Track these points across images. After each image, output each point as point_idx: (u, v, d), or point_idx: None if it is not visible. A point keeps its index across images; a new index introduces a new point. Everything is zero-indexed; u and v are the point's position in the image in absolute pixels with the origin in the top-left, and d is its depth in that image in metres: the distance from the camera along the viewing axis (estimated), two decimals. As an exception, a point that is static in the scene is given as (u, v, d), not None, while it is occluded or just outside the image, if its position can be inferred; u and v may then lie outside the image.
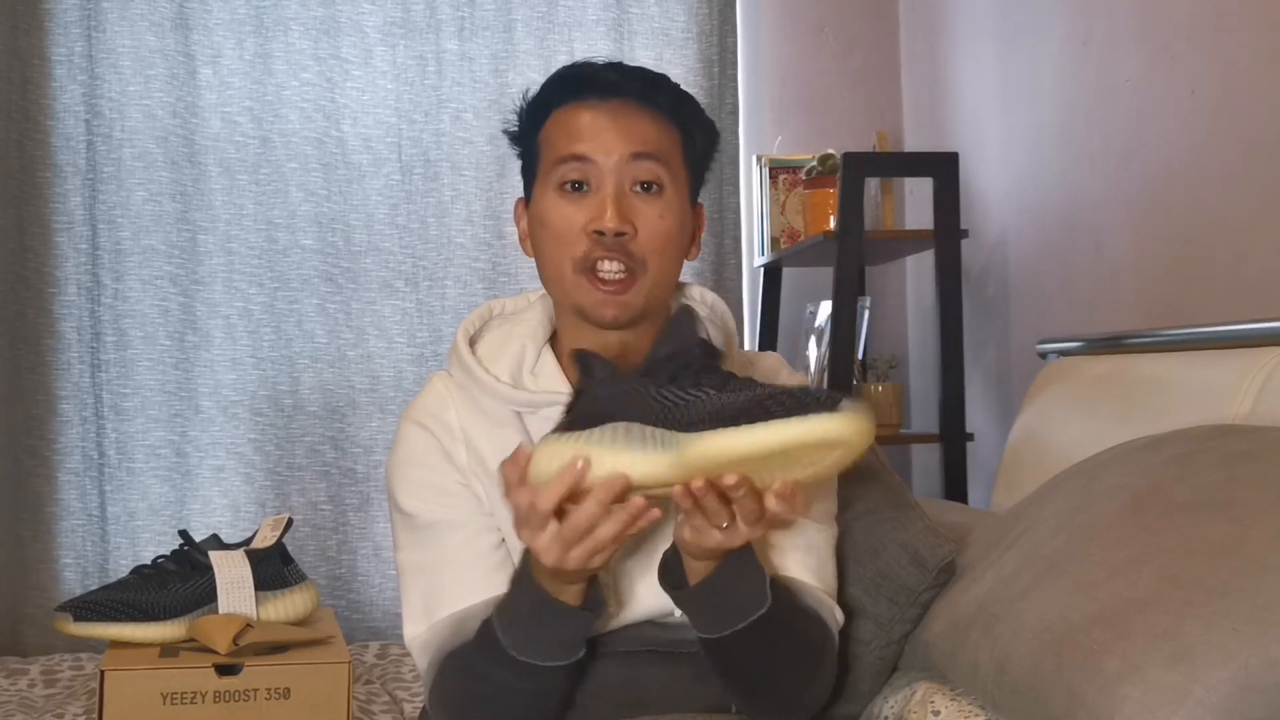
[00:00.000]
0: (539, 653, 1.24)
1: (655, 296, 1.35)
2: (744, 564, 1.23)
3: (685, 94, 1.39)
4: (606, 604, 1.25)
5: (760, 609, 1.24)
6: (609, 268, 1.31)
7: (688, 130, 1.37)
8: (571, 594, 1.21)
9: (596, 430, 1.11)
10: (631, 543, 1.33)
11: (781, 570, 1.36)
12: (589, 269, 1.32)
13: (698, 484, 1.08)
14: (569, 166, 1.32)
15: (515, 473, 1.14)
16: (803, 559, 1.37)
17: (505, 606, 1.26)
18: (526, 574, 1.22)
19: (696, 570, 1.22)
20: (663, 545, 1.33)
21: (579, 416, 1.13)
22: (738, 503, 1.10)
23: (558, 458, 1.11)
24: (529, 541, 1.15)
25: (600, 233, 1.30)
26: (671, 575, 1.24)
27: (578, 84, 1.35)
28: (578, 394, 1.17)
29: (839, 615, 1.39)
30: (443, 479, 1.37)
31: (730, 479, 1.07)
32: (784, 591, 1.31)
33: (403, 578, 1.40)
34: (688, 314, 1.20)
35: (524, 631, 1.24)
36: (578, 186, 1.32)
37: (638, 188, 1.32)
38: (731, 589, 1.23)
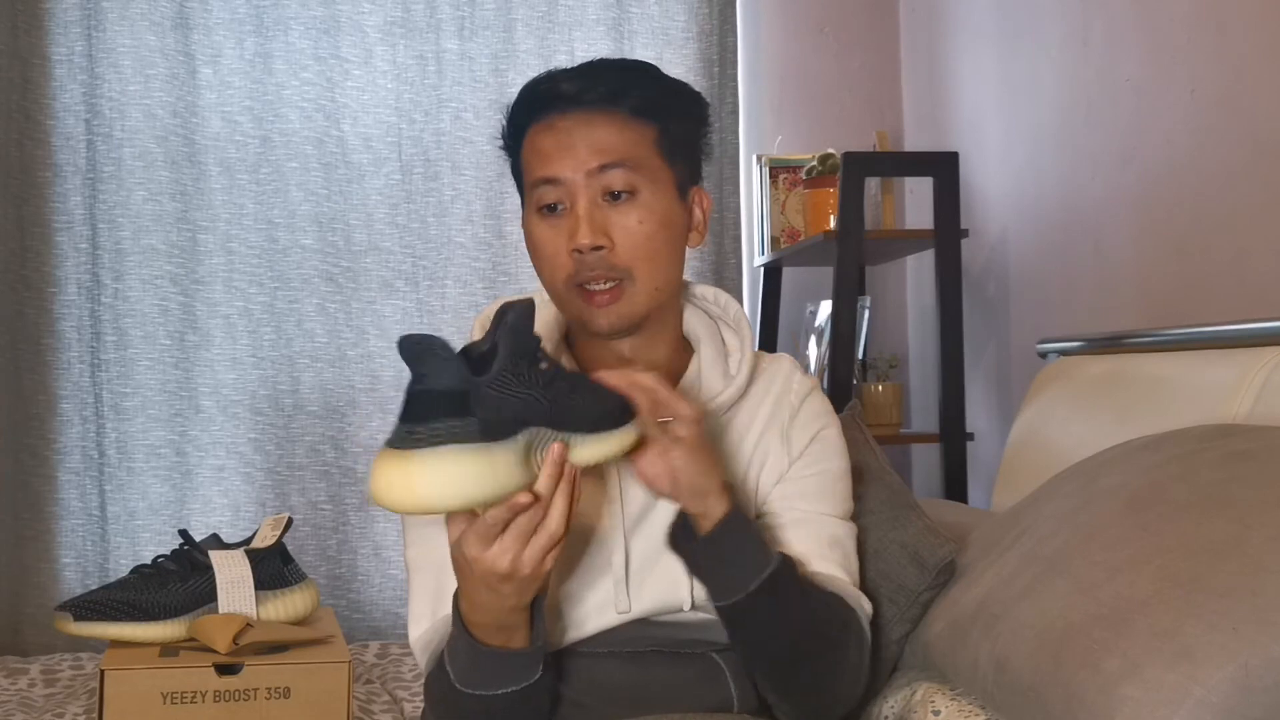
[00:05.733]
0: (488, 686, 1.23)
1: (654, 299, 1.36)
2: (743, 527, 1.27)
3: (656, 85, 1.37)
4: (545, 635, 1.24)
5: (768, 567, 1.26)
6: (597, 286, 1.33)
7: (662, 121, 1.36)
8: (519, 640, 1.21)
9: (528, 432, 1.10)
10: (642, 535, 1.34)
11: (809, 565, 1.36)
12: (579, 285, 1.33)
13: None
14: (542, 190, 1.34)
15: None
16: (828, 553, 1.38)
17: (451, 642, 1.25)
18: (461, 626, 1.21)
19: (701, 527, 1.26)
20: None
21: (495, 420, 1.07)
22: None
23: (512, 470, 1.08)
24: (478, 553, 1.12)
25: (579, 251, 1.31)
26: (678, 538, 1.27)
27: (540, 101, 1.36)
28: (453, 393, 1.05)
29: (867, 605, 1.39)
30: None
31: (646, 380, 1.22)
32: (792, 559, 1.32)
33: (410, 572, 1.39)
34: (514, 305, 1.13)
35: (467, 669, 1.24)
36: (553, 208, 1.34)
37: (608, 198, 1.33)
38: (736, 550, 1.25)
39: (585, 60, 1.42)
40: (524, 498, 1.10)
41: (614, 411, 1.18)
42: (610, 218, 1.32)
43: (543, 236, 1.35)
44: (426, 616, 1.35)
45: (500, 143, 1.42)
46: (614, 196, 1.33)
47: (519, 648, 1.22)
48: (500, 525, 1.12)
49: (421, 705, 1.50)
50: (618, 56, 1.44)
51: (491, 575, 1.14)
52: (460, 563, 1.16)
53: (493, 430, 1.06)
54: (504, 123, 1.41)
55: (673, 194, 1.37)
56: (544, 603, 1.23)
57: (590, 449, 1.15)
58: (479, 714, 1.26)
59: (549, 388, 1.11)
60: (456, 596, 1.22)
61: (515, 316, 1.10)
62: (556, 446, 1.11)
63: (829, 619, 1.34)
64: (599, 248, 1.31)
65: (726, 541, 1.25)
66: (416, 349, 1.05)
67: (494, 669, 1.22)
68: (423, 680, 1.38)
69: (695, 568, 1.29)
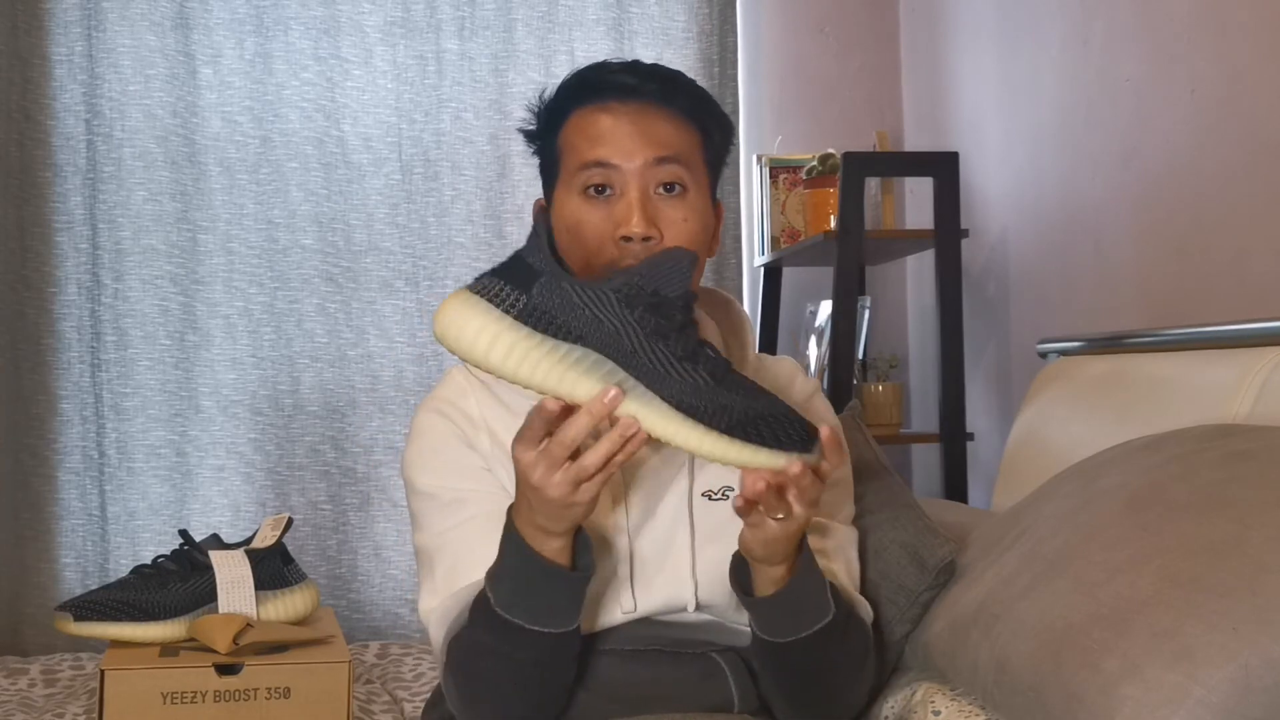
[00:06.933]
0: (527, 614, 1.22)
1: None
2: (810, 575, 1.25)
3: (702, 92, 1.39)
4: (593, 569, 1.23)
5: (824, 618, 1.26)
6: None
7: (706, 129, 1.38)
8: (556, 549, 1.20)
9: (577, 350, 1.10)
10: (646, 536, 1.34)
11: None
12: None
13: (759, 486, 1.13)
14: (592, 171, 1.33)
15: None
16: (832, 563, 1.39)
17: (496, 563, 1.25)
18: (511, 528, 1.21)
19: (768, 578, 1.24)
20: (679, 541, 1.34)
21: (546, 312, 1.10)
22: (799, 488, 1.13)
23: (527, 360, 1.09)
24: (518, 454, 1.14)
25: (627, 238, 1.30)
26: (740, 578, 1.26)
27: (596, 87, 1.36)
28: (533, 271, 1.10)
29: (869, 610, 1.42)
30: (464, 462, 1.37)
31: (796, 468, 1.10)
32: (843, 600, 1.33)
33: (423, 557, 1.38)
34: (688, 255, 1.16)
35: (511, 589, 1.22)
36: (601, 190, 1.33)
37: (661, 190, 1.33)
38: (799, 599, 1.25)
39: (591, 61, 1.42)
40: (552, 404, 1.11)
41: (797, 432, 1.11)
42: (661, 210, 1.32)
43: (587, 219, 1.33)
44: (441, 591, 1.34)
45: (525, 126, 1.41)
46: (667, 189, 1.33)
47: (561, 564, 1.20)
48: (537, 431, 1.12)
49: (421, 706, 1.50)
50: (624, 59, 1.43)
51: (524, 480, 1.15)
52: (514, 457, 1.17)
53: (533, 319, 1.10)
54: (539, 105, 1.40)
55: (709, 199, 1.38)
56: (588, 538, 1.22)
57: (696, 440, 1.10)
58: (505, 655, 1.25)
59: (694, 355, 1.11)
60: (510, 509, 1.22)
61: (672, 263, 1.13)
62: (613, 390, 1.09)
63: (856, 641, 1.36)
64: (649, 238, 1.31)
65: (794, 595, 1.25)
66: (536, 221, 1.14)
67: (534, 581, 1.21)
68: (434, 656, 1.37)
69: (754, 610, 1.28)
